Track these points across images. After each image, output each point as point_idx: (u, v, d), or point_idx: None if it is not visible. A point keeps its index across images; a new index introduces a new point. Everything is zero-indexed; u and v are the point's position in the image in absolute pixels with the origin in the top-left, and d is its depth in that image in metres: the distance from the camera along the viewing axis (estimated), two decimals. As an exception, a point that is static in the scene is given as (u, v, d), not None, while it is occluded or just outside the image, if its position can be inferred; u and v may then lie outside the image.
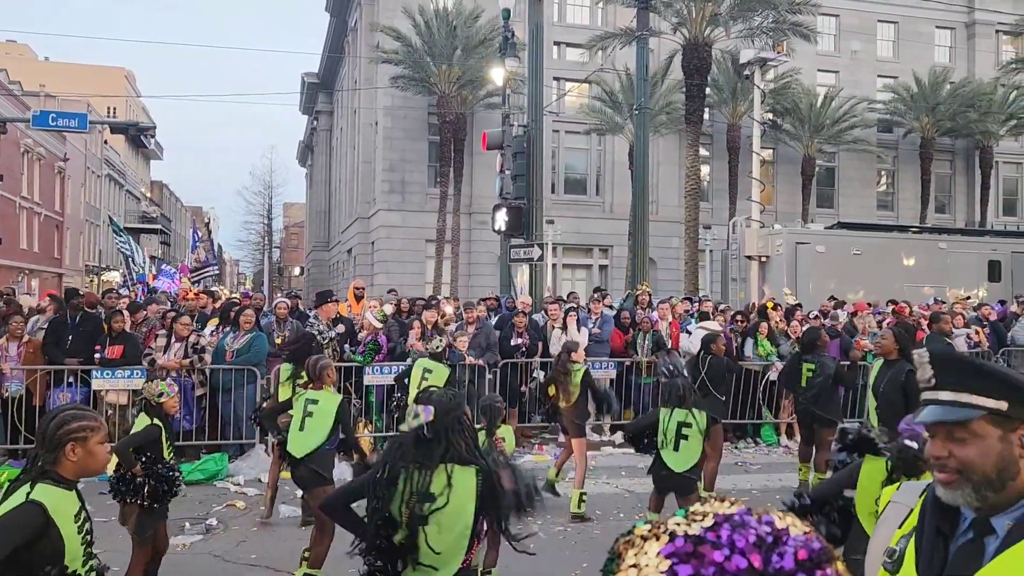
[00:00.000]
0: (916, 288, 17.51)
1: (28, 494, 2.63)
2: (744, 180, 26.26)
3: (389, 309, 10.65)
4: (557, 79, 29.57)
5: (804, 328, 9.42)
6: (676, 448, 5.93)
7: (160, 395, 5.20)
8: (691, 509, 0.77)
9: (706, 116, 26.35)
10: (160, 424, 5.09)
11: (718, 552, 0.69)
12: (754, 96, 20.71)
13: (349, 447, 5.75)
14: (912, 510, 1.67)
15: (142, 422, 5.12)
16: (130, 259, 21.65)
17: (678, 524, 0.74)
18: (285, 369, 7.15)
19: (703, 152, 26.94)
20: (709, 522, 0.73)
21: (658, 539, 0.73)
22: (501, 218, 13.09)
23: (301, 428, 5.53)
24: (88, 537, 2.78)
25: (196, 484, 8.38)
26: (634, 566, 0.72)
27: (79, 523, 2.73)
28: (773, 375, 10.44)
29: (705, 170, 29.77)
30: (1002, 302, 14.33)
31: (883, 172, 35.29)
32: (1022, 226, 32.47)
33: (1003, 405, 1.52)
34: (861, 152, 32.21)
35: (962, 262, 18.75)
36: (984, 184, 33.26)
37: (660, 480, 6.09)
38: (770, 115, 27.53)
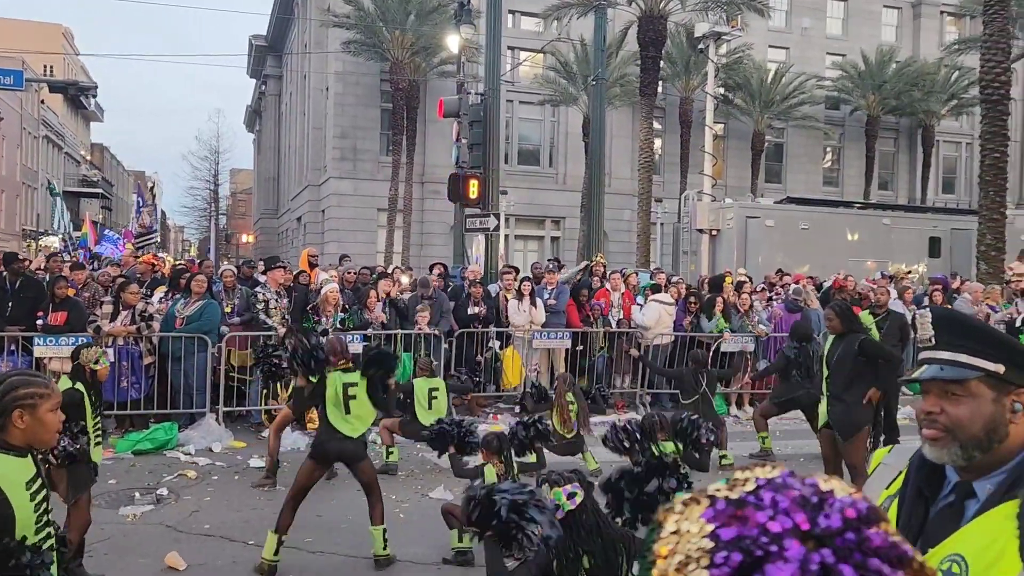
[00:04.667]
0: (860, 263, 17.99)
1: None
2: (695, 154, 26.49)
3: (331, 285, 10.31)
4: (511, 48, 29.31)
5: (794, 324, 9.46)
6: None
7: (96, 362, 5.11)
8: (733, 476, 0.76)
9: (659, 89, 26.47)
10: (82, 389, 4.97)
11: (762, 513, 0.68)
12: (708, 70, 20.83)
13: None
14: (901, 472, 1.70)
15: (63, 384, 4.96)
16: (57, 224, 20.91)
17: (718, 489, 0.73)
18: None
19: (655, 125, 27.07)
20: (751, 486, 0.72)
21: (699, 503, 0.72)
22: (457, 187, 12.98)
23: (347, 412, 5.44)
24: (44, 505, 2.69)
25: (145, 454, 8.22)
26: (675, 532, 0.71)
27: (32, 491, 2.64)
28: (725, 346, 10.63)
29: (657, 143, 29.92)
30: (943, 277, 14.81)
31: (829, 149, 35.98)
32: (961, 204, 33.50)
33: (1000, 368, 1.54)
34: (809, 128, 32.77)
35: (904, 238, 19.31)
36: (925, 162, 34.19)
37: None
38: (721, 90, 27.79)
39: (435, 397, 7.77)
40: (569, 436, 7.68)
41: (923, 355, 1.65)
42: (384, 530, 5.53)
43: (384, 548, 5.50)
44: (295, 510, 5.40)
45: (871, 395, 6.24)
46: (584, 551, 3.34)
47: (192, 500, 6.95)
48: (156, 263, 11.84)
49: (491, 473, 5.49)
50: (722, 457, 8.30)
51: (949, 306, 12.34)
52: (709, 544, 0.67)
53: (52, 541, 2.68)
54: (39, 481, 2.70)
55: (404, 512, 6.75)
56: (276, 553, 5.33)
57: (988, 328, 1.64)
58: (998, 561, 1.38)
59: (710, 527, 0.68)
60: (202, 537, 6.08)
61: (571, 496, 3.42)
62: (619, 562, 3.41)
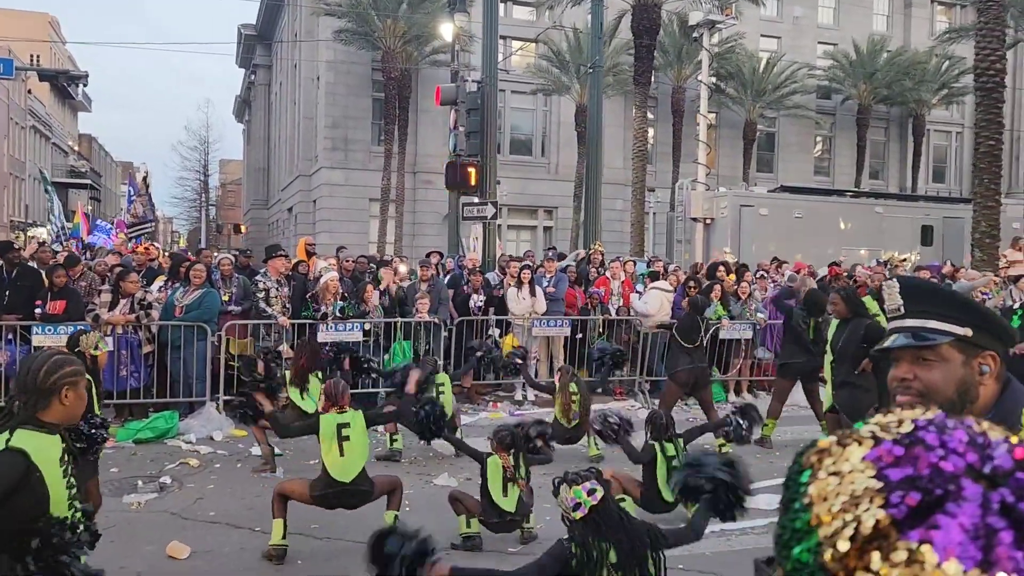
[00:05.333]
0: (852, 251, 18.06)
1: (8, 441, 2.57)
2: (687, 143, 26.49)
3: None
4: (504, 37, 29.20)
5: (807, 292, 9.40)
6: None
7: (96, 347, 5.09)
8: (875, 420, 0.73)
9: (651, 78, 26.42)
10: (90, 378, 4.96)
11: (932, 453, 0.66)
12: (702, 59, 20.81)
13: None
14: None
15: None
16: (50, 215, 20.72)
17: (875, 431, 0.71)
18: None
19: (648, 115, 27.05)
20: (908, 427, 0.70)
21: (860, 444, 0.70)
22: (454, 175, 12.93)
23: (341, 454, 5.37)
24: (72, 481, 2.73)
25: (146, 443, 8.19)
26: (835, 474, 0.69)
27: (64, 467, 2.68)
28: (723, 333, 10.65)
29: (649, 133, 29.94)
30: (938, 265, 14.90)
31: (820, 138, 36.05)
32: (952, 193, 33.65)
33: (968, 332, 1.59)
34: (801, 118, 32.82)
35: (897, 226, 19.39)
36: (916, 151, 34.30)
37: None
38: (714, 79, 27.80)
39: (441, 392, 7.77)
40: (571, 426, 7.73)
41: (892, 324, 1.68)
42: (396, 516, 5.56)
43: None
44: (285, 502, 5.40)
45: (864, 365, 6.26)
46: (611, 544, 3.34)
47: (195, 488, 6.93)
48: (155, 253, 11.75)
49: (496, 465, 5.53)
50: (721, 445, 8.32)
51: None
52: (877, 484, 0.66)
53: (79, 515, 2.70)
54: (68, 457, 2.73)
55: (409, 499, 6.74)
56: (284, 537, 5.35)
57: (954, 293, 1.70)
58: None
59: (875, 468, 0.67)
60: (208, 524, 6.07)
61: (591, 492, 3.44)
62: (646, 553, 3.43)
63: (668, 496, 5.89)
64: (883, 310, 8.70)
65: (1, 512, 2.48)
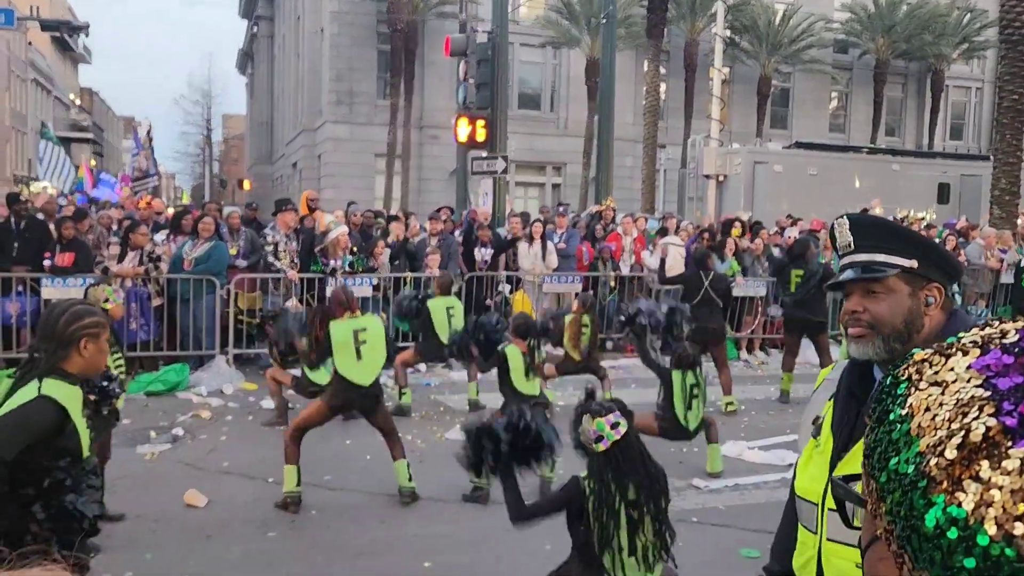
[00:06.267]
0: (868, 209, 17.79)
1: (39, 389, 2.56)
2: (700, 98, 26.03)
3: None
4: (513, -12, 28.60)
5: (795, 241, 9.49)
6: None
7: (106, 300, 5.02)
8: (974, 332, 0.71)
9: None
10: None
11: None
12: (717, 10, 20.28)
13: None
14: None
15: None
16: (50, 172, 20.38)
17: (978, 342, 0.68)
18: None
19: (660, 69, 26.54)
20: (1014, 337, 0.67)
21: (965, 354, 0.68)
22: (464, 128, 12.69)
23: (359, 358, 5.32)
24: (91, 433, 2.75)
25: (157, 395, 8.18)
26: (936, 384, 0.67)
27: (85, 418, 2.70)
28: (736, 291, 10.52)
29: (661, 88, 29.43)
30: (954, 222, 14.69)
31: (836, 94, 35.38)
32: (970, 150, 33.13)
33: (914, 263, 1.67)
34: (816, 73, 32.16)
35: (913, 184, 19.06)
36: (934, 108, 33.66)
37: None
38: (728, 32, 27.19)
39: (452, 315, 7.72)
40: (580, 360, 7.64)
41: (844, 260, 1.74)
42: (408, 464, 5.52)
43: (409, 480, 5.49)
44: (299, 442, 5.37)
45: None
46: (630, 481, 3.22)
47: (208, 440, 6.93)
48: (160, 207, 11.62)
49: (515, 352, 5.66)
50: (728, 404, 8.22)
51: (961, 251, 12.25)
52: (984, 393, 0.63)
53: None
54: (86, 410, 2.75)
55: (420, 453, 6.71)
56: (298, 484, 5.31)
57: (900, 227, 1.81)
58: None
59: (981, 376, 0.65)
60: (221, 475, 6.06)
61: (615, 426, 3.23)
62: (660, 491, 3.32)
63: (686, 424, 5.92)
64: (836, 249, 8.81)
65: (38, 460, 2.48)
